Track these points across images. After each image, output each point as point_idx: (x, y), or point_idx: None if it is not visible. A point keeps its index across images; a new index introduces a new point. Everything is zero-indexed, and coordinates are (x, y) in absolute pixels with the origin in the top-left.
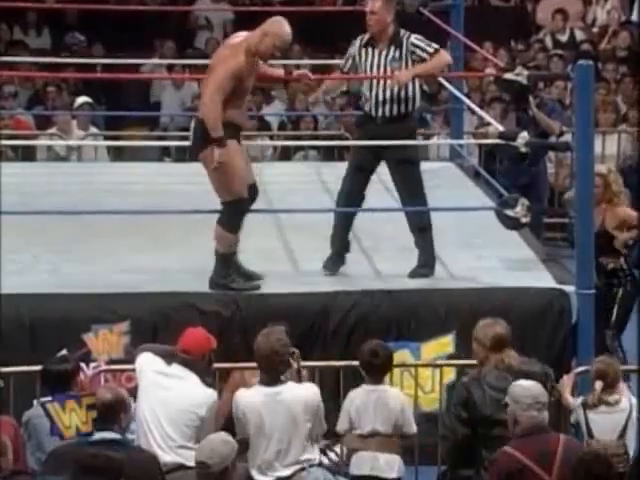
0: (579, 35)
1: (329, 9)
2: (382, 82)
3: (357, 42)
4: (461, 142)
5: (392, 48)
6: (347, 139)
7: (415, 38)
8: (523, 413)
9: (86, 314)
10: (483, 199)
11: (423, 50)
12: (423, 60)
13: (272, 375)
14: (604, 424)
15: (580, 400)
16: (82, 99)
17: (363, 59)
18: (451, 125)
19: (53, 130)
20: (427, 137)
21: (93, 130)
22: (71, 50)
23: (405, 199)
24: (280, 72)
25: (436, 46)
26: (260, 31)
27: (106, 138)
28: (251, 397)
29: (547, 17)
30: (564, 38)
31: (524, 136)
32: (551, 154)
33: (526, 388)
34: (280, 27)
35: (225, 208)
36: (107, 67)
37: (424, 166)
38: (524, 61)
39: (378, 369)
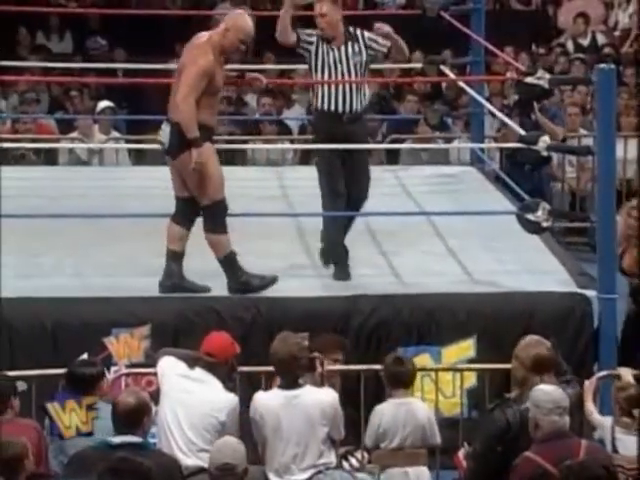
0: (601, 39)
1: (351, 13)
2: (345, 79)
3: (314, 35)
4: (482, 146)
5: (349, 43)
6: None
7: (369, 33)
8: (544, 418)
9: (107, 318)
10: (504, 203)
11: (380, 44)
12: (380, 52)
13: (290, 379)
14: (630, 442)
15: (610, 422)
16: (104, 103)
17: (323, 56)
18: (471, 129)
19: (75, 134)
20: (448, 141)
21: (115, 134)
22: (92, 54)
23: (356, 196)
24: (233, 74)
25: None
26: (222, 27)
27: (128, 142)
28: (269, 400)
29: (569, 21)
30: (586, 42)
31: (545, 140)
32: (572, 158)
33: (547, 392)
34: (242, 20)
35: (207, 213)
36: (129, 71)
37: (445, 170)
38: (545, 65)
39: (404, 378)
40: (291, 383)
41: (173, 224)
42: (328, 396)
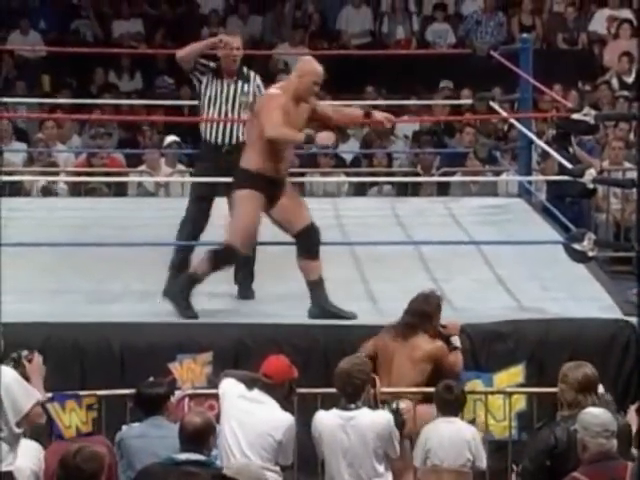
0: None
1: (403, 53)
2: (228, 114)
3: (210, 67)
4: (528, 178)
5: (240, 82)
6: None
7: (260, 80)
8: (591, 440)
9: (172, 343)
10: (551, 233)
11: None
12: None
13: (347, 398)
14: None
15: None
16: (171, 138)
17: (215, 89)
18: (519, 162)
19: (143, 167)
20: (497, 174)
21: (180, 167)
22: (160, 92)
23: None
24: (359, 113)
25: None
26: (295, 75)
27: (192, 175)
28: (327, 419)
29: (613, 59)
30: (630, 79)
31: (591, 172)
32: (617, 190)
33: (595, 416)
34: (312, 65)
35: (222, 249)
36: (193, 108)
37: (494, 201)
38: (591, 102)
39: (453, 405)
40: (348, 402)
41: (300, 260)
42: (382, 418)
